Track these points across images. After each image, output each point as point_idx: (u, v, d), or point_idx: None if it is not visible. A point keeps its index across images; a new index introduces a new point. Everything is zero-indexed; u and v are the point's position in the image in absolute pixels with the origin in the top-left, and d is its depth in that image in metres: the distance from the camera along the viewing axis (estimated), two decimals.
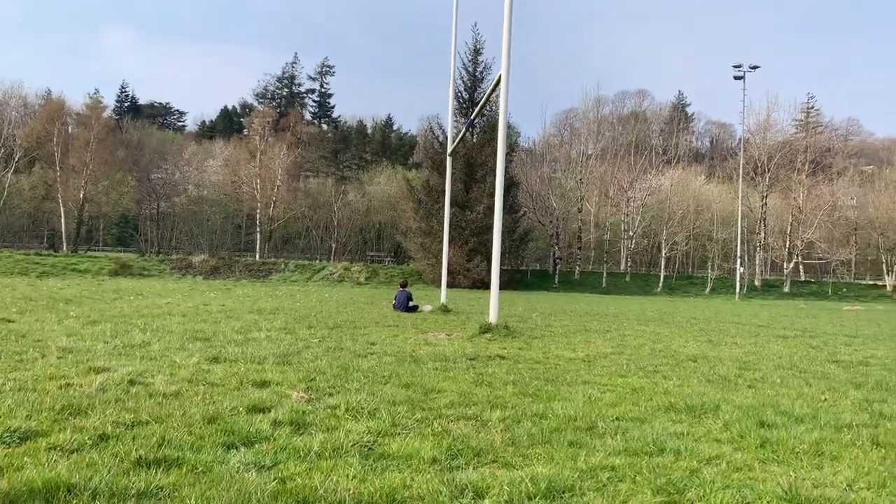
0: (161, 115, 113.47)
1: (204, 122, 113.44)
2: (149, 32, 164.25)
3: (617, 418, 5.36)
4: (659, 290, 56.49)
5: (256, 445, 4.25)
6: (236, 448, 4.18)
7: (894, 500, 3.50)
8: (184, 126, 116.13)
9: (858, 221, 63.30)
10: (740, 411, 5.66)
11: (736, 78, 56.32)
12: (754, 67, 55.76)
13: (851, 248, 62.67)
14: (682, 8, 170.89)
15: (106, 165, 58.77)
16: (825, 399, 6.45)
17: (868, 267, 65.87)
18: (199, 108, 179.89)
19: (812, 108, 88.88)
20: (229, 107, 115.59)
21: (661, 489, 3.57)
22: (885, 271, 60.34)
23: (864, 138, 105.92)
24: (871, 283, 62.73)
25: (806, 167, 61.66)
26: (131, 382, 6.11)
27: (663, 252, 61.29)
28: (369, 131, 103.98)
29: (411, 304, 18.17)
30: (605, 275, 58.91)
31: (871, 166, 78.95)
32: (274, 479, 3.60)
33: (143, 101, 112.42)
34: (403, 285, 19.19)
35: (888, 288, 58.46)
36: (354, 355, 8.62)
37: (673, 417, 5.48)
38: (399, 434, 4.65)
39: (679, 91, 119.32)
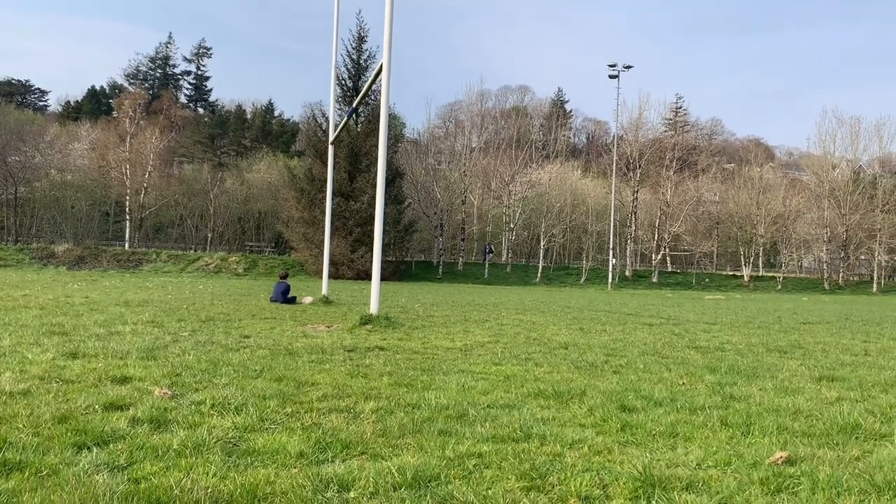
0: (20, 93, 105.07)
1: (69, 102, 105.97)
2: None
3: (488, 406, 5.45)
4: (538, 280, 58.24)
5: (111, 445, 4.00)
6: (88, 449, 3.92)
7: (738, 476, 3.74)
8: (46, 106, 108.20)
9: (720, 216, 67.79)
10: (604, 396, 5.90)
11: (611, 77, 58.79)
12: (628, 67, 58.39)
13: (714, 241, 67.06)
14: (563, 5, 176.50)
15: None
16: (683, 383, 6.84)
17: (728, 258, 70.75)
18: (63, 88, 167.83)
19: (680, 108, 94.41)
20: (97, 87, 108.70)
21: (525, 474, 3.66)
22: (742, 263, 65.00)
23: (727, 138, 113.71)
24: (731, 273, 67.40)
25: (674, 164, 65.29)
26: None
27: (542, 244, 63.21)
28: (249, 117, 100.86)
29: (289, 295, 17.79)
30: (487, 266, 60.07)
31: (732, 164, 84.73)
32: (127, 480, 3.40)
33: None
34: (283, 276, 18.78)
35: (745, 278, 63.03)
36: (226, 349, 8.32)
37: (542, 403, 5.63)
38: (267, 429, 4.52)
39: (559, 88, 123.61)
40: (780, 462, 3.98)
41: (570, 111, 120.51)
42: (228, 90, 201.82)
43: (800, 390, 6.59)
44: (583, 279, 59.97)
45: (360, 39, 53.11)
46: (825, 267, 64.70)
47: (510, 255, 66.48)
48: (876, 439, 4.69)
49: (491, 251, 63.13)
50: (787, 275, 66.72)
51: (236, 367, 6.90)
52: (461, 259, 61.91)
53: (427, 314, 15.72)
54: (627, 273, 62.68)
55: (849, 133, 68.60)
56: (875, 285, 62.66)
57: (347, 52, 52.67)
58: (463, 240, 62.99)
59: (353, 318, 12.85)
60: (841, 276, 64.37)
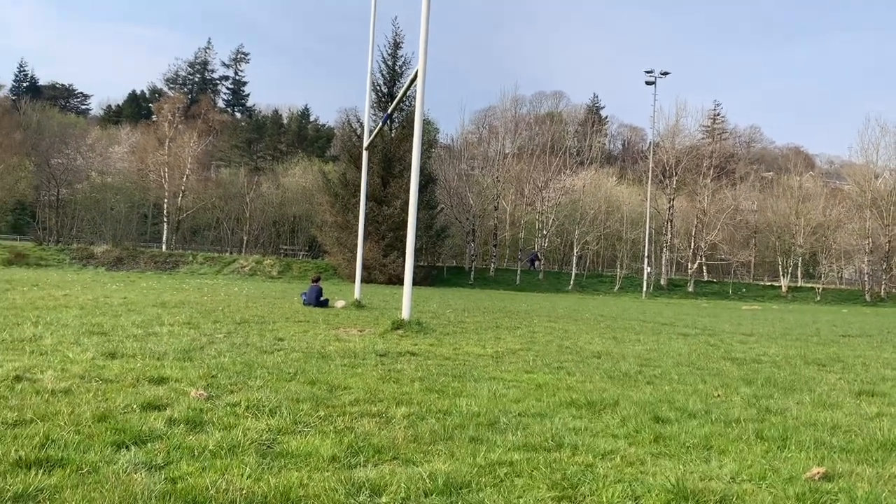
0: (63, 97, 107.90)
1: (110, 106, 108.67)
2: (52, 7, 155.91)
3: (520, 414, 5.44)
4: (570, 287, 57.86)
5: (149, 444, 4.08)
6: (127, 447, 4.00)
7: (773, 490, 3.68)
8: (88, 109, 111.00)
9: (758, 225, 66.65)
10: (637, 407, 5.85)
11: (647, 83, 58.27)
12: (665, 73, 57.85)
13: (751, 251, 65.97)
14: (600, 11, 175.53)
15: (1, 149, 55.38)
16: (718, 395, 6.74)
17: (766, 269, 69.47)
18: (105, 92, 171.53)
19: (718, 115, 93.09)
20: (137, 91, 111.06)
21: (556, 484, 3.65)
22: (780, 273, 63.79)
23: (765, 146, 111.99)
24: (769, 284, 66.18)
25: (711, 172, 64.40)
26: (17, 378, 5.78)
27: (575, 251, 62.81)
28: (285, 121, 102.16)
29: (322, 298, 17.94)
30: (519, 272, 59.88)
31: (771, 173, 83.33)
32: (164, 480, 3.47)
33: (43, 81, 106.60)
34: (316, 280, 18.94)
35: (783, 289, 61.84)
36: (260, 351, 8.43)
37: (574, 413, 5.61)
38: (300, 432, 4.57)
39: (594, 93, 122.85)
40: (816, 478, 3.90)
41: (606, 117, 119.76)
42: (266, 95, 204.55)
43: (838, 405, 6.45)
44: (616, 287, 59.43)
45: (396, 46, 53.42)
46: (866, 279, 63.14)
47: (543, 261, 66.19)
48: None
49: (538, 258, 62.84)
50: (827, 286, 65.24)
51: (270, 370, 6.98)
52: (493, 265, 61.81)
53: (458, 320, 15.73)
54: (662, 282, 61.93)
55: (893, 142, 66.94)
56: None
57: (383, 58, 53.03)
58: (495, 245, 62.89)
59: (384, 322, 12.91)
60: (883, 288, 62.72)
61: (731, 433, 5.03)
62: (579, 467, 3.98)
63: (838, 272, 71.46)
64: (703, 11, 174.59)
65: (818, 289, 62.73)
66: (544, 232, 63.63)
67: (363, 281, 22.19)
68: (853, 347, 13.20)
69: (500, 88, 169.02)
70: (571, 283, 59.29)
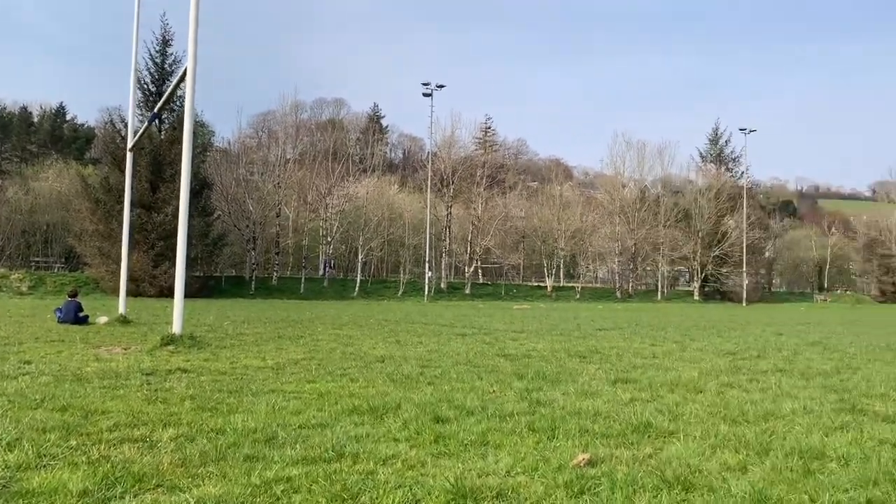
0: None
1: None
2: None
3: (300, 426, 5.23)
4: (356, 294, 58.01)
5: None
6: None
7: (544, 480, 3.85)
8: None
9: (526, 230, 71.67)
10: (419, 408, 5.89)
11: (424, 95, 60.31)
12: (441, 86, 60.26)
13: (520, 254, 70.80)
14: (381, 24, 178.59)
15: None
16: (493, 391, 7.02)
17: (533, 270, 74.87)
18: None
19: (489, 128, 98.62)
20: None
21: (336, 496, 3.52)
22: (546, 274, 69.08)
23: (531, 157, 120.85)
24: (536, 284, 71.38)
25: (484, 181, 68.13)
26: None
27: (360, 257, 63.16)
28: (35, 120, 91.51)
29: (81, 314, 16.23)
30: (303, 280, 58.90)
31: (536, 182, 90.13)
32: None
33: None
34: (73, 294, 17.09)
35: (549, 288, 67.01)
36: (1, 377, 7.36)
37: (356, 420, 5.51)
38: (46, 466, 3.99)
39: (374, 103, 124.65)
40: (582, 464, 4.15)
41: (387, 126, 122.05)
42: (11, 90, 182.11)
43: (598, 393, 7.01)
44: (400, 292, 60.62)
45: (165, 42, 50.22)
46: (617, 277, 70.59)
47: (325, 268, 65.74)
48: (665, 437, 5.06)
49: (332, 266, 62.21)
50: (585, 285, 71.97)
51: (11, 398, 6.10)
52: (276, 274, 60.21)
53: (237, 332, 15.02)
54: (443, 285, 64.27)
55: (636, 156, 75.67)
56: (659, 293, 69.26)
57: (151, 54, 49.66)
58: (278, 253, 61.33)
59: (153, 338, 11.94)
60: (631, 285, 70.42)
61: (505, 427, 5.22)
62: (360, 476, 3.88)
63: (594, 272, 79.10)
64: (476, 31, 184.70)
65: (578, 287, 68.95)
66: (329, 239, 63.22)
67: (130, 294, 20.45)
68: (608, 340, 14.55)
69: (280, 92, 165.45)
70: (357, 289, 59.46)
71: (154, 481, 3.76)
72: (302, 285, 57.91)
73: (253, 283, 56.45)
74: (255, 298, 49.26)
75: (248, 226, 58.53)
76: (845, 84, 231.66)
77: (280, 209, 61.68)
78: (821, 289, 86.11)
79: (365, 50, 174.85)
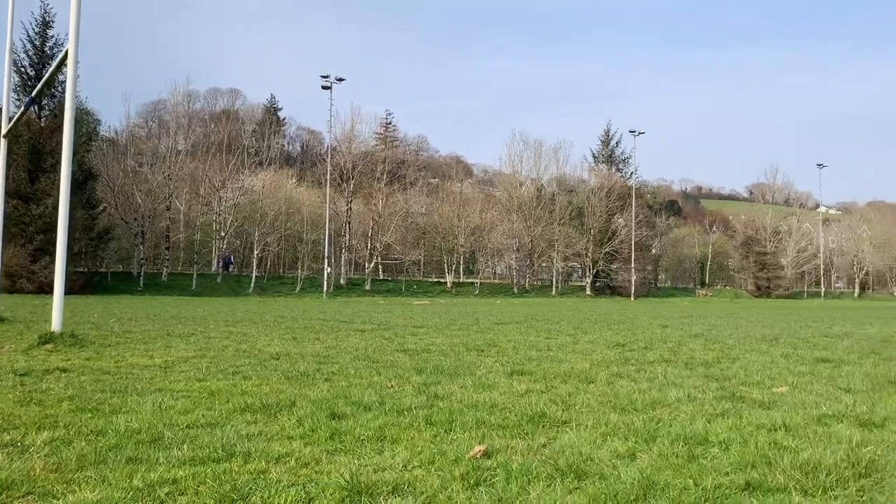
0: None
1: None
2: None
3: (188, 426, 5.01)
4: (251, 290, 56.57)
5: None
6: None
7: (441, 473, 3.84)
8: None
9: (426, 227, 72.05)
10: (315, 405, 5.77)
11: (324, 87, 59.42)
12: (340, 79, 59.51)
13: (421, 250, 71.11)
14: (279, 12, 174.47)
15: None
16: (392, 386, 6.97)
17: (434, 266, 75.35)
18: None
19: (390, 123, 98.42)
20: None
21: (225, 497, 3.38)
22: (446, 270, 69.68)
23: (432, 154, 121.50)
24: (437, 280, 71.89)
25: (384, 177, 67.97)
26: None
27: (255, 253, 61.60)
28: None
29: None
30: (195, 276, 56.86)
31: (436, 179, 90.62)
32: None
33: None
34: None
35: (449, 284, 67.64)
36: None
37: (249, 418, 5.34)
38: None
39: (272, 94, 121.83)
40: (478, 455, 4.18)
41: (284, 119, 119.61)
42: None
43: (495, 385, 7.09)
44: (298, 288, 59.57)
45: (45, 24, 47.40)
46: (515, 273, 72.10)
47: (220, 264, 63.78)
48: (559, 426, 5.17)
49: (231, 262, 60.20)
50: (484, 280, 73.14)
51: None
52: (166, 269, 57.84)
53: (124, 330, 14.30)
54: (342, 281, 63.63)
55: (533, 155, 77.45)
56: (554, 289, 71.27)
57: (29, 36, 46.62)
58: (168, 248, 58.93)
59: (30, 337, 11.19)
60: (527, 280, 72.11)
61: (403, 422, 5.19)
62: (251, 475, 3.75)
63: (493, 268, 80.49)
64: (380, 27, 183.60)
65: (477, 283, 70.00)
66: (222, 234, 61.29)
67: (6, 291, 19.11)
68: (506, 333, 14.79)
69: (172, 81, 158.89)
70: (252, 285, 57.98)
71: (24, 488, 3.49)
72: (194, 281, 55.92)
73: (141, 279, 54.05)
74: (143, 295, 47.17)
75: (136, 219, 55.93)
76: (727, 90, 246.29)
77: (171, 202, 59.29)
78: (702, 284, 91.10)
79: (262, 40, 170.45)
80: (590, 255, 72.77)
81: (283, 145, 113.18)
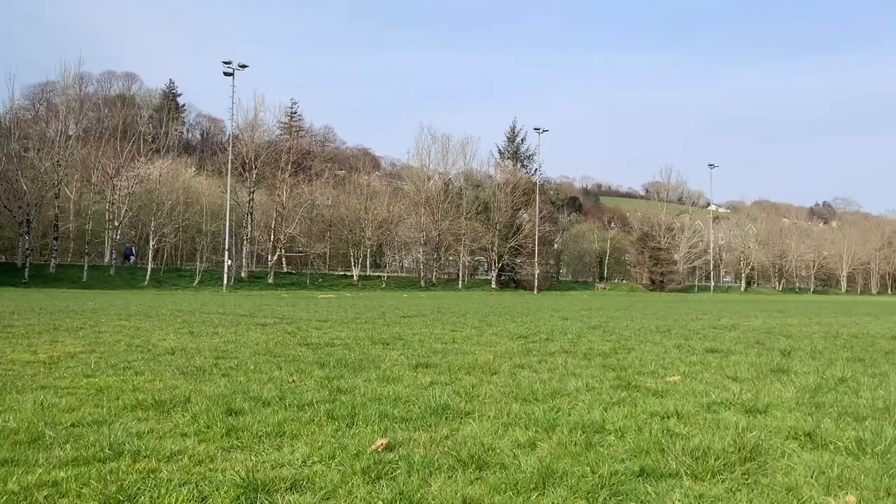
0: None
1: None
2: None
3: (73, 424, 4.73)
4: (146, 283, 54.22)
5: None
6: None
7: (342, 468, 3.77)
8: None
9: (332, 219, 71.10)
10: (211, 401, 5.57)
11: (226, 74, 57.58)
12: (243, 66, 57.84)
13: (327, 243, 70.12)
14: None
15: None
16: (293, 381, 6.82)
17: (340, 259, 74.51)
18: None
19: (295, 112, 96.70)
20: None
21: (111, 498, 3.20)
22: (353, 263, 69.05)
23: (338, 145, 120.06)
24: (343, 273, 71.13)
25: (289, 167, 66.54)
26: None
27: (151, 244, 59.12)
28: None
29: None
30: (86, 268, 53.99)
31: (343, 171, 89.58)
32: None
33: None
34: None
35: (355, 278, 67.06)
36: None
37: (140, 415, 5.09)
38: None
39: (170, 79, 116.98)
40: (380, 449, 4.13)
41: (184, 105, 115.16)
42: None
43: (400, 378, 7.06)
44: (197, 281, 57.56)
45: None
46: (422, 267, 72.31)
47: (115, 255, 60.85)
48: (461, 417, 5.19)
49: (132, 253, 57.40)
50: (391, 274, 73.00)
51: None
52: (55, 261, 54.62)
53: (5, 324, 13.41)
54: (244, 274, 61.95)
55: (441, 149, 77.76)
56: (460, 282, 71.94)
57: None
58: (56, 238, 55.63)
59: None
60: (434, 274, 72.47)
61: (303, 417, 5.08)
62: (140, 475, 3.56)
63: (400, 262, 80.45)
64: (288, 15, 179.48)
65: (384, 276, 69.74)
66: (116, 223, 58.46)
67: None
68: (412, 327, 14.79)
69: (61, 62, 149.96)
70: (147, 278, 55.58)
71: None
72: (85, 273, 53.12)
73: (27, 270, 50.83)
74: (28, 287, 44.44)
75: (20, 207, 52.48)
76: (626, 92, 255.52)
77: (59, 190, 55.94)
78: (601, 278, 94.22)
79: (161, 24, 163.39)
80: (495, 249, 73.84)
81: (183, 132, 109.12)
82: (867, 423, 5.06)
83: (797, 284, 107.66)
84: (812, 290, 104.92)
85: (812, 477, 3.75)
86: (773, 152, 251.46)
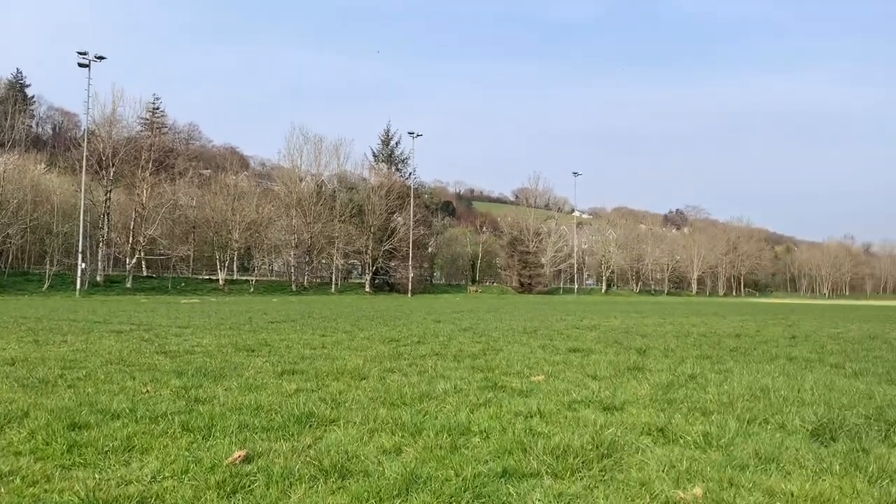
0: None
1: None
2: None
3: None
4: None
5: None
6: None
7: (195, 483, 3.57)
8: None
9: (197, 220, 68.10)
10: (52, 415, 5.13)
11: (81, 65, 53.91)
12: (101, 58, 54.36)
13: (190, 246, 67.03)
14: None
15: None
16: (147, 391, 6.43)
17: (205, 263, 71.52)
18: None
19: (158, 108, 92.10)
20: None
21: None
22: (218, 267, 66.48)
23: (204, 144, 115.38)
24: (207, 277, 68.31)
25: (150, 165, 63.11)
26: None
27: None
28: None
29: None
30: None
31: (209, 170, 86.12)
32: None
33: None
34: None
35: (221, 282, 64.59)
36: None
37: None
38: None
39: (17, 69, 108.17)
40: (238, 462, 3.95)
41: (33, 97, 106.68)
42: None
43: (263, 386, 6.82)
44: (46, 286, 53.36)
45: None
46: (293, 270, 70.75)
47: None
48: (326, 425, 5.07)
49: None
50: (260, 278, 70.93)
51: None
52: None
53: None
54: (99, 278, 58.12)
55: (313, 150, 76.46)
56: (333, 286, 71.02)
57: None
58: None
59: None
60: (306, 278, 71.11)
61: (156, 429, 4.78)
62: None
63: (269, 265, 78.33)
64: (151, 5, 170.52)
65: (252, 280, 67.63)
66: None
67: None
68: (280, 332, 14.39)
69: None
70: None
71: None
72: None
73: None
74: None
75: None
76: (497, 100, 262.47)
77: None
78: (473, 281, 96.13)
79: (11, 11, 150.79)
80: (370, 252, 73.50)
81: (31, 126, 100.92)
82: (713, 418, 5.41)
83: (653, 286, 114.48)
84: (666, 291, 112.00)
85: (664, 471, 3.94)
86: (632, 162, 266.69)
